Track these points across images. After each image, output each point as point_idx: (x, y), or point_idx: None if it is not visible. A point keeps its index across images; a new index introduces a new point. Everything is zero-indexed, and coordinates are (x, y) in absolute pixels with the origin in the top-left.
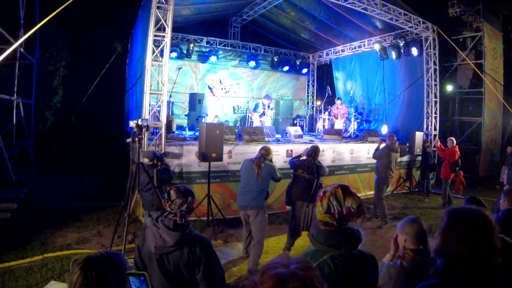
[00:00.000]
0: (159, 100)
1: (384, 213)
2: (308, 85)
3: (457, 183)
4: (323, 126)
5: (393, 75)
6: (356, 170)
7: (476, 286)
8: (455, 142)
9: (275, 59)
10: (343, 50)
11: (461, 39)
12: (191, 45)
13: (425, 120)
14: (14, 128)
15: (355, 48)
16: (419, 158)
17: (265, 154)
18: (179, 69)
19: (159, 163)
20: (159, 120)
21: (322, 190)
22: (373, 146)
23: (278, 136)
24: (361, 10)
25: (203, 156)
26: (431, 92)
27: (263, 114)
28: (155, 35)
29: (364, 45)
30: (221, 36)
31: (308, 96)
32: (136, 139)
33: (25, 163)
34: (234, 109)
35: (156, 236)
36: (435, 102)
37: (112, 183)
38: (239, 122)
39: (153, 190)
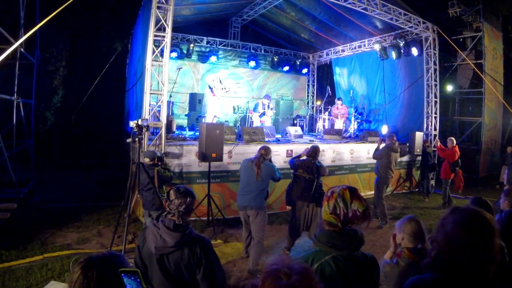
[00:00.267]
0: (159, 100)
1: (384, 213)
2: (308, 85)
3: (457, 182)
4: (323, 126)
5: (393, 75)
6: (356, 170)
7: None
8: (455, 142)
9: (275, 59)
10: (343, 50)
11: (461, 39)
12: (191, 45)
13: (425, 120)
14: (14, 128)
15: (355, 48)
16: (419, 158)
17: (264, 154)
18: (179, 69)
19: (160, 163)
20: (159, 120)
21: (330, 190)
22: (373, 146)
23: (278, 136)
24: (361, 10)
25: (203, 156)
26: (431, 92)
27: (263, 114)
28: (155, 35)
29: (364, 45)
30: (221, 36)
31: (308, 96)
32: (136, 139)
33: (25, 163)
34: (234, 109)
35: (156, 236)
36: (435, 102)
37: (112, 183)
38: (239, 122)
39: (153, 190)
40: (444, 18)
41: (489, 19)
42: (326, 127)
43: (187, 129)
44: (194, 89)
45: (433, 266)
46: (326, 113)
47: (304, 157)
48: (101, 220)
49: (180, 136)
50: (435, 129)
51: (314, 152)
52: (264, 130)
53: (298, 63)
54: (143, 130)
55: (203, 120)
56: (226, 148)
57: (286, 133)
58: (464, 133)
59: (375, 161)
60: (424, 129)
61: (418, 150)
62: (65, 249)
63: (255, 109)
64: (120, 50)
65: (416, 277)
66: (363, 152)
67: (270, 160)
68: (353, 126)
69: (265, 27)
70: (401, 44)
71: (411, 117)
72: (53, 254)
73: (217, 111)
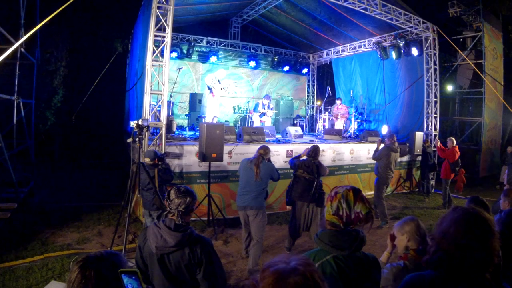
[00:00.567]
0: (160, 100)
1: (384, 213)
2: (308, 85)
3: (458, 181)
4: (323, 126)
5: (393, 75)
6: (356, 170)
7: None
8: (455, 142)
9: (275, 59)
10: (343, 50)
11: (461, 39)
12: (192, 45)
13: (425, 120)
14: (14, 128)
15: (355, 48)
16: (419, 158)
17: (263, 153)
18: (180, 69)
19: (160, 163)
20: (159, 120)
21: (334, 190)
22: (373, 146)
23: (278, 136)
24: (361, 10)
25: (203, 156)
26: (431, 92)
27: (263, 114)
28: (155, 35)
29: (364, 45)
30: (221, 36)
31: (308, 96)
32: (137, 139)
33: (25, 163)
34: (234, 109)
35: (157, 236)
36: (435, 102)
37: (113, 183)
38: (239, 122)
39: (153, 190)
40: (444, 18)
41: (489, 19)
42: (326, 127)
43: (187, 129)
44: (194, 89)
45: (431, 263)
46: (326, 113)
47: (304, 157)
48: (102, 220)
49: (181, 136)
50: (435, 129)
51: (314, 152)
52: (264, 130)
53: (298, 63)
54: (144, 130)
55: (203, 120)
56: (226, 148)
57: (286, 133)
58: (464, 133)
59: (375, 161)
60: (424, 129)
61: (418, 150)
62: (66, 249)
63: (255, 109)
64: (120, 50)
65: (414, 274)
66: (363, 152)
67: (269, 160)
68: (353, 126)
69: (265, 27)
70: (401, 44)
71: (411, 117)
72: (53, 254)
73: (216, 111)
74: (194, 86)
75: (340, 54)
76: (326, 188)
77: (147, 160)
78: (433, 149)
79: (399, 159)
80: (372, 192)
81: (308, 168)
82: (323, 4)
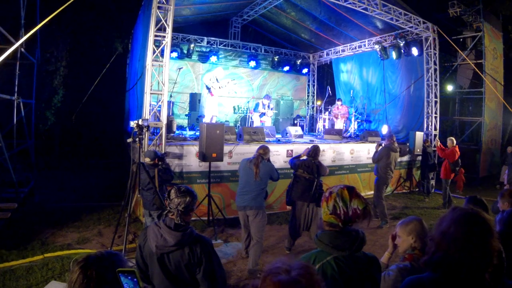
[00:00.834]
0: (160, 100)
1: (384, 213)
2: (309, 85)
3: (458, 181)
4: (324, 126)
5: (393, 75)
6: (356, 170)
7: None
8: (455, 142)
9: (276, 59)
10: (343, 50)
11: (461, 39)
12: (192, 45)
13: (425, 120)
14: (14, 128)
15: (355, 48)
16: (419, 158)
17: (263, 153)
18: (180, 69)
19: (160, 163)
20: (159, 120)
21: (328, 190)
22: (374, 146)
23: (279, 136)
24: (361, 10)
25: (203, 156)
26: (431, 92)
27: (264, 114)
28: (155, 35)
29: (365, 45)
30: (222, 36)
31: (308, 96)
32: (137, 139)
33: (25, 163)
34: (234, 109)
35: (157, 235)
36: (435, 102)
37: (113, 183)
38: (239, 122)
39: (153, 189)
40: (444, 18)
41: (489, 19)
42: (327, 127)
43: (187, 129)
44: (194, 89)
45: (430, 264)
46: (326, 113)
47: (304, 157)
48: (102, 220)
49: (181, 136)
50: (435, 129)
51: (314, 152)
52: (265, 130)
53: (298, 63)
54: (144, 130)
55: (203, 120)
56: (226, 148)
57: (287, 133)
58: (464, 133)
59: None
60: (424, 129)
61: (418, 150)
62: (66, 249)
63: (255, 109)
64: (120, 50)
65: (412, 277)
66: (363, 152)
67: (268, 160)
68: (353, 126)
69: (266, 27)
70: (401, 44)
71: (411, 117)
72: (53, 254)
73: (215, 111)
74: (194, 86)
75: (340, 54)
76: (326, 188)
77: (147, 160)
78: (433, 149)
79: (399, 159)
80: (372, 192)
81: (308, 168)
82: (323, 4)
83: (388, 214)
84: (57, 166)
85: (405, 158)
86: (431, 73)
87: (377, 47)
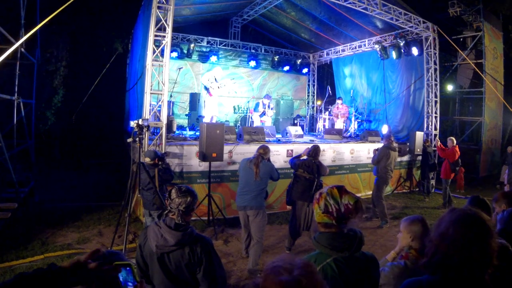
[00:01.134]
0: (160, 100)
1: (384, 212)
2: (309, 85)
3: (458, 180)
4: (324, 126)
5: (393, 74)
6: (356, 170)
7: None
8: (455, 141)
9: (276, 59)
10: (343, 50)
11: (461, 39)
12: (192, 45)
13: (425, 119)
14: (14, 128)
15: (355, 48)
16: (420, 157)
17: (263, 153)
18: (180, 69)
19: (160, 163)
20: (159, 120)
21: (318, 192)
22: (374, 146)
23: (279, 136)
24: (361, 10)
25: (203, 156)
26: (432, 92)
27: (264, 114)
28: (155, 35)
29: (365, 45)
30: (222, 36)
31: (308, 96)
32: (137, 139)
33: (25, 163)
34: (234, 109)
35: (157, 235)
36: (436, 101)
37: (113, 182)
38: (239, 122)
39: (153, 189)
40: (444, 17)
41: (489, 19)
42: (327, 127)
43: (187, 129)
44: (194, 89)
45: (429, 266)
46: (327, 113)
47: (305, 157)
48: (102, 220)
49: (181, 136)
50: (435, 129)
51: (314, 151)
52: (265, 130)
53: (298, 63)
54: (144, 130)
55: (203, 120)
56: (226, 148)
57: (287, 132)
58: (464, 132)
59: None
60: (425, 129)
61: (418, 150)
62: (66, 249)
63: (255, 109)
64: (120, 50)
65: (411, 279)
66: (364, 152)
67: (268, 160)
68: (353, 126)
69: (266, 27)
70: (401, 44)
71: (412, 117)
72: (53, 253)
73: (215, 110)
74: (194, 86)
75: (340, 54)
76: None
77: (147, 160)
78: (433, 148)
79: (399, 159)
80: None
81: (308, 168)
82: (323, 4)
83: (388, 214)
84: (57, 166)
85: (405, 158)
86: (431, 73)
87: (377, 47)
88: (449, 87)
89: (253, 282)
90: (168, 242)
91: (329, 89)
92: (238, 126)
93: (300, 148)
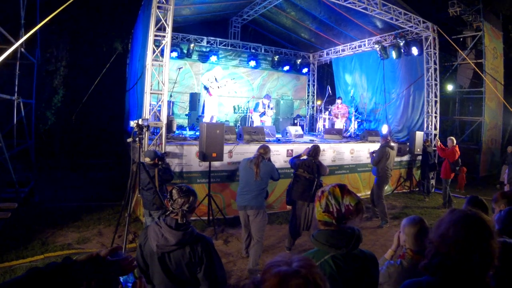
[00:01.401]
0: (160, 100)
1: (384, 212)
2: (309, 85)
3: (460, 180)
4: (324, 125)
5: (393, 74)
6: (356, 169)
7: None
8: (455, 141)
9: (276, 59)
10: (343, 50)
11: (461, 39)
12: (192, 45)
13: (425, 119)
14: (14, 128)
15: (355, 47)
16: (420, 157)
17: (263, 153)
18: (180, 69)
19: (160, 163)
20: (159, 119)
21: (320, 190)
22: (374, 146)
23: (279, 135)
24: (361, 10)
25: (203, 156)
26: (432, 92)
27: (264, 113)
28: (155, 35)
29: (365, 45)
30: (222, 36)
31: (308, 95)
32: (137, 138)
33: (26, 163)
34: (234, 108)
35: (158, 234)
36: (436, 101)
37: (113, 182)
38: (239, 122)
39: (153, 189)
40: (444, 17)
41: (489, 19)
42: (327, 126)
43: (187, 128)
44: (194, 88)
45: (429, 268)
46: (327, 112)
47: (305, 157)
48: (102, 220)
49: (181, 135)
50: (435, 129)
51: (314, 151)
52: (265, 129)
53: (298, 62)
54: (144, 129)
55: (203, 120)
56: (226, 148)
57: (287, 132)
58: (464, 132)
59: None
60: (425, 129)
61: (418, 150)
62: (66, 249)
63: (255, 108)
64: (120, 50)
65: (411, 280)
66: (364, 152)
67: (269, 160)
68: (353, 126)
69: (266, 27)
70: (401, 44)
71: (412, 117)
72: (53, 253)
73: (215, 110)
74: (194, 85)
75: (340, 54)
76: None
77: (147, 159)
78: (433, 148)
79: (399, 159)
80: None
81: (308, 168)
82: (323, 4)
83: (388, 214)
84: (57, 166)
85: (405, 157)
86: (431, 73)
87: (377, 46)
88: (449, 87)
89: (252, 280)
90: (169, 241)
91: (329, 89)
92: (238, 126)
93: (300, 148)
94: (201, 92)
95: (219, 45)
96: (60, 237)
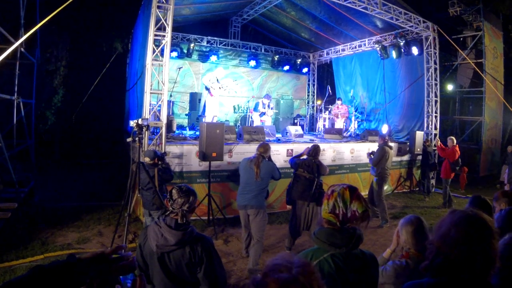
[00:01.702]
0: (160, 100)
1: (384, 212)
2: (309, 85)
3: (461, 180)
4: (324, 125)
5: (393, 74)
6: (356, 169)
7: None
8: (455, 141)
9: (276, 59)
10: (343, 50)
11: (461, 39)
12: (192, 44)
13: (425, 119)
14: (14, 127)
15: (355, 47)
16: (420, 157)
17: (263, 152)
18: (180, 68)
19: (160, 162)
20: (159, 119)
21: (331, 188)
22: (374, 146)
23: (279, 135)
24: (361, 10)
25: (203, 156)
26: (432, 92)
27: (264, 113)
28: (155, 35)
29: (365, 45)
30: (222, 35)
31: (308, 95)
32: (137, 138)
33: (25, 163)
34: (234, 108)
35: (157, 234)
36: (436, 101)
37: (113, 182)
38: (239, 122)
39: (153, 189)
40: (444, 17)
41: (489, 18)
42: (327, 126)
43: (187, 128)
44: (194, 88)
45: (430, 269)
46: (327, 112)
47: (305, 157)
48: (102, 220)
49: (181, 135)
50: (435, 129)
51: (314, 151)
52: (265, 129)
53: (298, 62)
54: (144, 129)
55: (203, 120)
56: (226, 148)
57: (287, 132)
58: (464, 132)
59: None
60: (425, 128)
61: (418, 150)
62: (66, 249)
63: (255, 108)
64: (120, 50)
65: (412, 282)
66: (364, 152)
67: (269, 158)
68: (353, 126)
69: (266, 27)
70: (401, 43)
71: (412, 117)
72: (53, 253)
73: (216, 111)
74: (194, 85)
75: (340, 54)
76: (326, 187)
77: (147, 159)
78: (434, 148)
79: (399, 158)
80: None
81: (308, 167)
82: (323, 4)
83: (388, 214)
84: (57, 166)
85: (406, 157)
86: (431, 73)
87: (377, 46)
88: (449, 87)
89: (252, 280)
90: (169, 241)
91: (329, 88)
92: (238, 126)
93: (300, 147)
94: (202, 92)
95: (219, 44)
96: (60, 237)
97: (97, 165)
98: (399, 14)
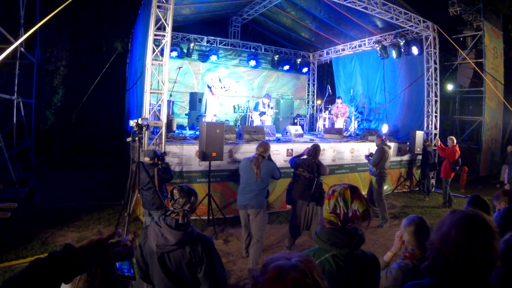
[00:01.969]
0: (160, 99)
1: (384, 212)
2: (309, 84)
3: (462, 180)
4: (324, 125)
5: (393, 74)
6: (356, 169)
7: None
8: (455, 141)
9: (276, 58)
10: (343, 49)
11: (461, 38)
12: (192, 44)
13: (425, 119)
14: (14, 127)
15: (355, 47)
16: (420, 157)
17: (263, 151)
18: (179, 68)
19: (160, 162)
20: (159, 119)
21: (331, 188)
22: (374, 146)
23: (279, 135)
24: (361, 9)
25: (203, 155)
26: (432, 91)
27: (264, 113)
28: (155, 35)
29: (365, 44)
30: (222, 35)
31: (308, 95)
32: (137, 138)
33: (25, 163)
34: (234, 108)
35: (158, 234)
36: (436, 101)
37: (113, 182)
38: (239, 121)
39: (153, 189)
40: (444, 17)
41: (489, 18)
42: (327, 126)
43: (187, 128)
44: (194, 88)
45: (431, 270)
46: (327, 112)
47: (305, 156)
48: (102, 220)
49: (181, 135)
50: (435, 128)
51: (314, 151)
52: (265, 129)
53: (298, 62)
54: (143, 129)
55: (203, 119)
56: (226, 147)
57: (287, 132)
58: (464, 132)
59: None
60: (425, 128)
61: (418, 149)
62: None
63: (255, 108)
64: (120, 49)
65: (413, 282)
66: (364, 151)
67: (269, 158)
68: (353, 125)
69: (266, 26)
70: (402, 43)
71: (412, 116)
72: None
73: (216, 110)
74: (194, 85)
75: (340, 53)
76: (326, 187)
77: (146, 159)
78: (434, 148)
79: (399, 158)
80: None
81: (308, 167)
82: (323, 3)
83: (388, 213)
84: (57, 166)
85: (406, 157)
86: (431, 72)
87: (377, 46)
88: (449, 87)
89: (252, 274)
90: (169, 241)
91: (329, 88)
92: (238, 126)
93: (300, 147)
94: (204, 91)
95: (219, 44)
96: (60, 237)
97: (97, 165)
98: (399, 14)
